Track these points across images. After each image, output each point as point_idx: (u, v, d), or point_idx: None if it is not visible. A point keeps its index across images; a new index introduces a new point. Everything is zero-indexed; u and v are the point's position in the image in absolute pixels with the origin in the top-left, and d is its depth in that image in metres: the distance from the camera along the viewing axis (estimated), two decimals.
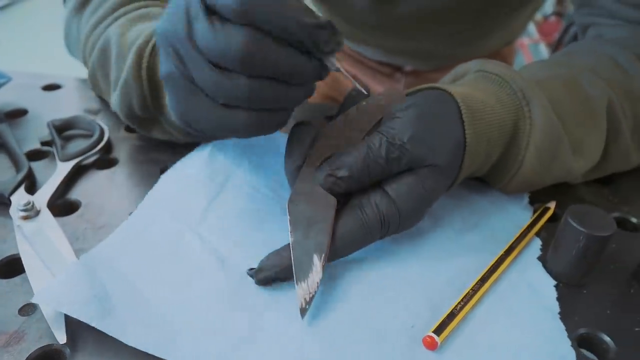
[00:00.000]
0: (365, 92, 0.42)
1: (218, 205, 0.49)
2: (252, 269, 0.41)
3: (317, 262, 0.39)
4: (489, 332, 0.38)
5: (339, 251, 0.41)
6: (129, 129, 0.63)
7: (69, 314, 0.36)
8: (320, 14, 0.38)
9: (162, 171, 0.54)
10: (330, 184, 0.41)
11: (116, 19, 0.57)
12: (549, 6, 3.49)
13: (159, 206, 0.48)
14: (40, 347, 0.36)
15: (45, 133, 0.60)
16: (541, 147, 0.45)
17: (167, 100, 0.43)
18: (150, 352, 0.35)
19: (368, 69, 0.98)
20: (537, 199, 0.52)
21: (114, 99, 0.54)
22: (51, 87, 0.73)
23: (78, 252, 0.43)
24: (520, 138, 0.46)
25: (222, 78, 0.36)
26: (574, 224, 0.40)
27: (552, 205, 0.50)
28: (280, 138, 0.57)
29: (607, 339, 0.38)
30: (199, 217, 0.47)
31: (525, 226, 0.47)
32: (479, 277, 0.42)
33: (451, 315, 0.38)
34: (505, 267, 0.43)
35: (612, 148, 0.53)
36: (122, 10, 0.58)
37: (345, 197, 0.42)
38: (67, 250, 0.43)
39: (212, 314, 0.38)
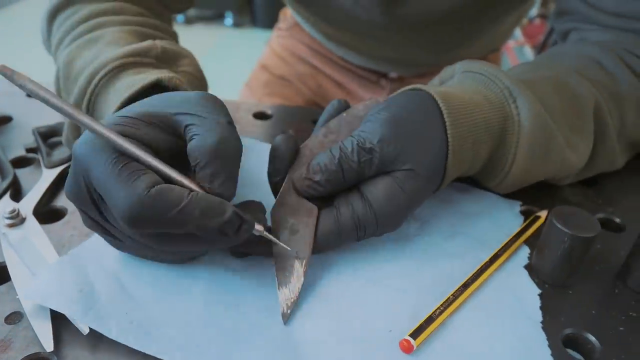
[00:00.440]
0: (287, 248, 0.40)
1: None
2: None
3: (299, 268, 0.40)
4: (468, 339, 0.38)
5: (316, 248, 0.41)
6: None
7: (54, 308, 0.37)
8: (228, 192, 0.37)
9: None
10: (306, 187, 0.42)
11: (70, 42, 0.56)
12: (533, 9, 3.52)
13: None
14: (28, 356, 0.36)
15: (30, 140, 0.60)
16: (532, 142, 0.46)
17: None
18: (133, 346, 0.36)
19: (354, 75, 0.98)
20: (528, 205, 0.53)
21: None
22: None
23: None
24: (509, 136, 0.46)
25: (134, 243, 0.39)
26: (559, 225, 0.41)
27: (542, 214, 0.51)
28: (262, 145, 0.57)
29: (592, 338, 0.39)
30: None
31: (513, 234, 0.48)
32: (461, 283, 0.42)
33: (429, 320, 0.38)
34: (489, 274, 0.43)
35: (599, 149, 0.53)
36: (78, 30, 0.56)
37: (329, 200, 0.43)
38: (53, 257, 0.43)
39: (194, 309, 0.39)
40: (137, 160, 0.35)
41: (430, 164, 0.42)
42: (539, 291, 0.43)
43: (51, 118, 0.64)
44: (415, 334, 0.37)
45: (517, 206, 0.53)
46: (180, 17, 4.11)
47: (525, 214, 0.52)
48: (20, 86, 0.34)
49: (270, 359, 0.36)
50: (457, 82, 0.49)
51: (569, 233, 0.40)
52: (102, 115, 0.47)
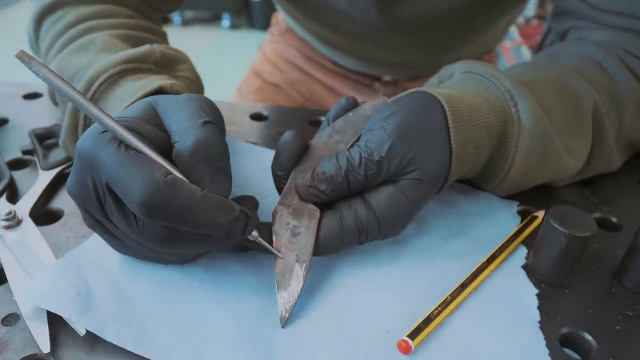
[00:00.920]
0: (281, 257, 0.40)
1: None
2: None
3: (299, 272, 0.40)
4: (466, 339, 0.38)
5: (318, 252, 0.41)
6: None
7: (51, 309, 0.37)
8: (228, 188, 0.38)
9: None
10: (311, 195, 0.42)
11: (60, 49, 0.55)
12: (530, 9, 3.53)
13: None
14: (24, 357, 0.35)
15: (26, 142, 0.60)
16: (531, 147, 0.46)
17: None
18: (129, 349, 0.35)
19: (347, 80, 0.97)
20: (525, 205, 0.53)
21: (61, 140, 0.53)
22: (32, 96, 0.73)
23: None
24: (509, 139, 0.46)
25: (135, 243, 0.38)
26: (555, 225, 0.41)
27: (539, 214, 0.51)
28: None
29: (589, 337, 0.39)
30: None
31: (511, 234, 0.48)
32: (459, 284, 0.42)
33: (427, 321, 0.38)
34: (487, 274, 0.43)
35: (596, 152, 0.53)
36: (66, 35, 0.55)
37: (330, 202, 0.43)
38: (50, 259, 0.43)
39: (193, 312, 0.39)
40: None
41: (435, 171, 0.42)
42: (536, 291, 0.43)
43: (47, 120, 0.64)
44: (413, 335, 0.37)
45: (514, 206, 0.53)
46: (177, 19, 4.11)
47: (523, 214, 0.52)
48: (36, 73, 0.34)
49: None
50: (457, 83, 0.49)
51: (565, 232, 0.40)
52: None
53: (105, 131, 0.36)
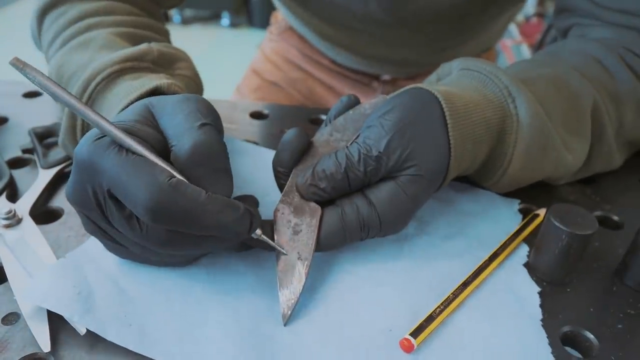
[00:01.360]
0: (284, 253, 0.41)
1: None
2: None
3: (301, 270, 0.40)
4: (468, 337, 0.38)
5: (320, 247, 0.41)
6: None
7: (52, 309, 0.37)
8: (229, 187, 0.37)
9: None
10: (312, 193, 0.42)
11: (61, 45, 0.55)
12: (530, 7, 3.52)
13: None
14: (25, 356, 0.35)
15: (26, 141, 0.59)
16: (529, 143, 0.46)
17: None
18: (131, 348, 0.35)
19: (346, 79, 0.97)
20: (526, 203, 0.53)
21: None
22: (32, 95, 0.73)
23: None
24: (507, 136, 0.46)
25: (137, 248, 0.38)
26: (556, 223, 0.41)
27: (541, 212, 0.51)
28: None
29: (590, 336, 0.39)
30: None
31: (512, 233, 0.48)
32: (461, 282, 0.42)
33: (429, 319, 0.38)
34: (489, 272, 0.43)
35: (596, 150, 0.53)
36: (68, 31, 0.55)
37: (331, 200, 0.43)
38: (50, 258, 0.43)
39: (194, 311, 0.39)
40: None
41: (434, 167, 0.42)
42: (538, 289, 0.43)
43: (47, 119, 0.64)
44: (415, 333, 0.37)
45: (515, 205, 0.53)
46: (177, 18, 4.11)
47: (524, 212, 0.52)
48: (31, 79, 0.34)
49: None
50: (455, 80, 0.49)
51: (566, 231, 0.40)
52: None
53: (103, 136, 0.35)
